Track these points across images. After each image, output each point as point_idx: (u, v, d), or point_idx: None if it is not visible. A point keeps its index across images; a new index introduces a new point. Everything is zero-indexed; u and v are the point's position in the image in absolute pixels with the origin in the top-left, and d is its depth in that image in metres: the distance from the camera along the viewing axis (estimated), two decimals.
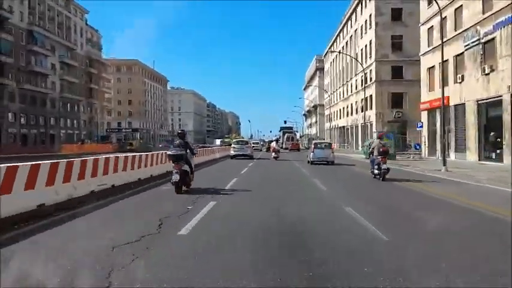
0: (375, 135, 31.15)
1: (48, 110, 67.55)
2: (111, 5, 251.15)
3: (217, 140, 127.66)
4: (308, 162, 26.96)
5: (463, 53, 27.64)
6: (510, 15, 22.00)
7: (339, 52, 70.46)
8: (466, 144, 27.64)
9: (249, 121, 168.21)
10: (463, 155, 28.05)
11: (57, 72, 71.17)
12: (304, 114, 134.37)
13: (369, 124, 52.47)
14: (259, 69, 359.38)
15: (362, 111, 55.36)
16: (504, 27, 22.62)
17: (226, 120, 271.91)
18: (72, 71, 76.26)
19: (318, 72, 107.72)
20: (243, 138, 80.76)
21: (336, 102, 78.75)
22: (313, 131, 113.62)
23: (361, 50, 56.11)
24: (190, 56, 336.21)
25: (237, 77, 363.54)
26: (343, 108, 70.01)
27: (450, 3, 29.25)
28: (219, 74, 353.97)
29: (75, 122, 77.80)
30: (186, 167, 11.88)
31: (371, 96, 50.93)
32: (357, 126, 59.52)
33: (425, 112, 35.09)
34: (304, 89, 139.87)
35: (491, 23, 23.84)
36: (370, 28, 51.07)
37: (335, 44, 78.82)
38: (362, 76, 55.14)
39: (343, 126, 69.64)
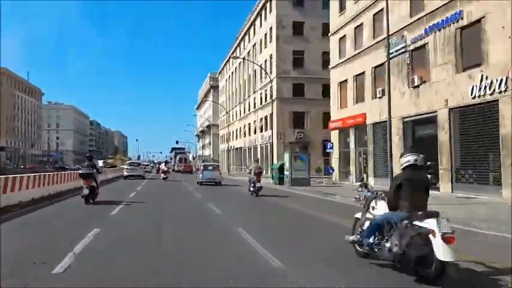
0: (286, 156, 26.33)
1: None
2: None
3: (99, 161, 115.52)
4: (197, 182, 28.71)
5: (383, 63, 24.15)
6: (448, 16, 18.63)
7: (236, 68, 66.31)
8: (389, 168, 23.93)
9: (137, 140, 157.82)
10: (384, 181, 24.30)
11: None
12: (197, 135, 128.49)
13: (268, 145, 48.23)
14: (149, 85, 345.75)
15: (261, 131, 51.20)
16: (439, 30, 19.25)
17: (112, 139, 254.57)
18: None
19: (212, 90, 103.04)
20: (131, 159, 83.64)
21: (232, 121, 74.21)
22: (207, 152, 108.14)
23: (261, 65, 52.18)
24: (73, 69, 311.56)
25: (125, 94, 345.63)
26: (240, 128, 65.52)
27: (368, 7, 25.89)
28: (105, 90, 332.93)
29: None
30: (94, 183, 14.62)
31: (271, 115, 46.75)
32: (255, 147, 55.14)
33: (336, 132, 31.35)
34: (197, 108, 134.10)
35: (423, 27, 20.45)
36: (270, 42, 47.35)
37: (231, 60, 74.65)
38: (262, 93, 51.10)
39: (240, 147, 65.02)
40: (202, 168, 29.38)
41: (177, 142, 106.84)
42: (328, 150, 31.46)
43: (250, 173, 20.09)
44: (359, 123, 27.06)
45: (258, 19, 53.70)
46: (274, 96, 45.22)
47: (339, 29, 30.65)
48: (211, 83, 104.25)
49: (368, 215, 6.26)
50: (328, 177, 31.48)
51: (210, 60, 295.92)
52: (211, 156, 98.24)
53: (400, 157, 5.96)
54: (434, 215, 5.19)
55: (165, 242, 8.05)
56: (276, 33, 45.26)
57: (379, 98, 24.59)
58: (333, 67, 32.14)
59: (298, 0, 45.44)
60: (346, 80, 29.49)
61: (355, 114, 27.55)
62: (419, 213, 5.27)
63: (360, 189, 6.84)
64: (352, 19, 28.34)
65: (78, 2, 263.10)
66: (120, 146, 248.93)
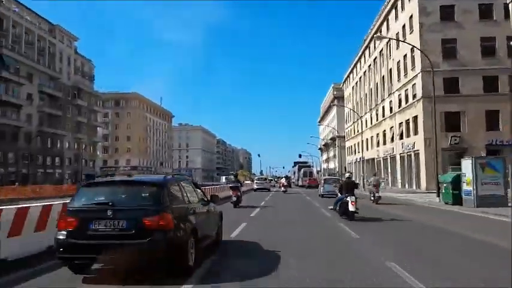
0: (466, 163, 18.99)
1: (21, 145, 57.06)
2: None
3: (223, 177, 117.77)
4: (319, 195, 30.77)
5: None
6: None
7: (365, 71, 59.59)
8: None
9: (259, 155, 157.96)
10: None
11: (35, 103, 61.18)
12: (320, 148, 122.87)
13: (412, 154, 40.62)
14: (270, 102, 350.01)
15: (401, 138, 43.75)
16: None
17: (238, 156, 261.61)
18: (55, 102, 66.32)
19: (336, 100, 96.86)
20: (255, 175, 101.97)
21: (360, 131, 67.24)
22: (332, 165, 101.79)
23: (397, 63, 44.99)
24: (201, 93, 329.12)
25: (247, 113, 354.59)
26: (372, 137, 58.37)
27: None
28: (229, 109, 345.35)
29: (57, 159, 67.10)
30: (239, 193, 20.83)
31: (415, 118, 39.36)
32: (393, 157, 47.67)
33: None
34: (320, 122, 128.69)
35: None
36: (411, 32, 40.08)
37: (358, 64, 68.11)
38: (401, 94, 43.78)
39: (373, 158, 57.75)
40: (323, 181, 32.75)
41: (300, 156, 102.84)
42: None
43: (369, 185, 24.76)
44: None
45: (393, 12, 46.67)
46: (420, 95, 37.78)
47: None
48: (334, 93, 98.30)
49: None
50: None
51: (332, 71, 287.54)
52: (337, 169, 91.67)
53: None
54: (351, 194, 14.16)
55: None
56: (419, 21, 37.91)
57: None
58: None
59: None
60: None
61: None
62: (347, 194, 14.28)
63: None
64: None
65: (206, 39, 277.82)
66: (244, 163, 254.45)
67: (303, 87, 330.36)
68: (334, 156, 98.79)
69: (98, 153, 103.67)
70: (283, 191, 40.54)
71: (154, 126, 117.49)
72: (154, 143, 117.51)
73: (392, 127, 47.65)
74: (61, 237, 6.01)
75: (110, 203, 5.99)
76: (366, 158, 62.56)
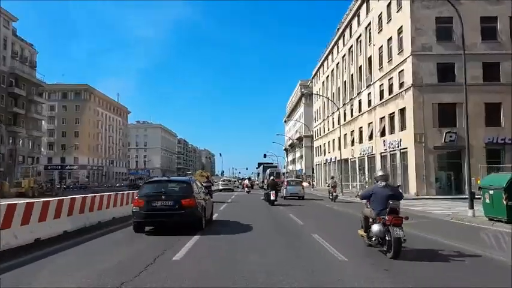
0: None
1: None
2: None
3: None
4: (281, 197, 29.98)
5: None
6: None
7: (338, 63, 53.83)
8: None
9: (220, 155, 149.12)
10: None
11: None
12: (285, 149, 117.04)
13: (398, 153, 34.87)
14: (234, 102, 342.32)
15: (383, 135, 38.00)
16: None
17: (200, 157, 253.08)
18: None
19: (303, 98, 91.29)
20: (218, 176, 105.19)
21: (331, 129, 61.56)
22: (298, 166, 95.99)
23: (379, 48, 39.24)
24: (162, 94, 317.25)
25: (212, 113, 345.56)
26: (345, 135, 52.58)
27: None
28: (192, 109, 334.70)
29: None
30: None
31: (402, 110, 33.62)
32: (371, 157, 41.94)
33: None
34: (285, 121, 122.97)
35: None
36: (399, 10, 34.33)
37: (330, 56, 62.38)
38: (383, 84, 38.03)
39: (346, 159, 51.98)
40: (286, 183, 32.38)
41: (264, 156, 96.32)
42: None
43: (328, 186, 29.75)
44: None
45: None
46: (409, 82, 31.99)
47: None
48: (302, 90, 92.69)
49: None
50: None
51: (300, 70, 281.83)
52: (304, 171, 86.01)
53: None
54: (272, 189, 23.99)
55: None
56: None
57: None
58: None
59: None
60: None
61: None
62: (271, 190, 24.30)
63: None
64: None
65: (174, 36, 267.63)
66: (207, 163, 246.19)
67: (268, 86, 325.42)
68: (301, 157, 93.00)
69: (43, 149, 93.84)
70: (246, 191, 43.00)
71: (107, 122, 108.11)
72: (107, 140, 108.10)
73: (371, 123, 41.91)
74: (135, 210, 11.29)
75: (163, 192, 11.50)
76: (338, 158, 56.94)
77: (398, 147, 34.14)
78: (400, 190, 9.76)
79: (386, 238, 7.65)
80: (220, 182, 53.36)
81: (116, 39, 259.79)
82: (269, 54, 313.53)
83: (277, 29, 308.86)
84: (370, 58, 42.28)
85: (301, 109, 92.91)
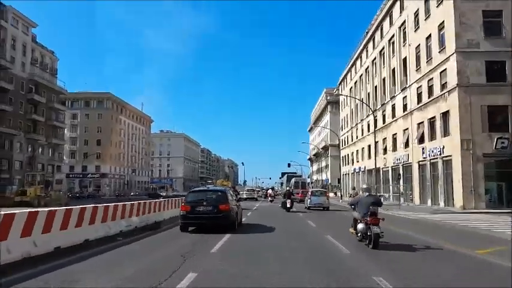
0: None
1: None
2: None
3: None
4: (305, 207, 30.03)
5: None
6: None
7: (367, 68, 50.75)
8: None
9: (243, 164, 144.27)
10: None
11: None
12: (309, 159, 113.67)
13: (440, 161, 31.43)
14: (258, 112, 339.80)
15: (421, 142, 34.66)
16: None
17: (223, 166, 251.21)
18: (3, 95, 56.03)
19: (329, 106, 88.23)
20: (240, 185, 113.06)
21: (359, 137, 58.27)
22: (323, 176, 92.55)
23: (416, 48, 36.04)
24: (186, 104, 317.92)
25: (235, 123, 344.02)
26: (377, 143, 49.18)
27: None
28: (215, 119, 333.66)
29: (3, 162, 56.54)
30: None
31: (444, 114, 30.27)
32: (407, 167, 38.55)
33: None
34: (310, 130, 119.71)
35: None
36: (439, 4, 31.14)
37: (358, 61, 59.27)
38: (421, 86, 34.75)
39: (378, 169, 48.56)
40: (310, 193, 31.07)
41: (289, 165, 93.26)
42: None
43: (350, 196, 26.17)
44: None
45: None
46: (454, 83, 28.65)
47: None
48: (328, 98, 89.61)
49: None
50: None
51: (324, 79, 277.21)
52: (330, 181, 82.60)
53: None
54: (288, 198, 27.59)
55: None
56: None
57: None
58: None
59: None
60: None
61: None
62: (287, 198, 27.93)
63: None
64: None
65: (193, 51, 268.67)
66: (230, 173, 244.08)
67: (293, 95, 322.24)
68: (327, 166, 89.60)
69: (65, 158, 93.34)
70: (270, 200, 42.98)
71: (130, 130, 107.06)
72: (130, 148, 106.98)
73: (406, 129, 38.56)
74: (182, 213, 13.68)
75: (204, 199, 13.89)
76: (367, 167, 53.58)
77: (440, 154, 30.70)
78: (382, 199, 14.64)
79: (368, 233, 10.28)
80: (245, 192, 56.58)
81: (138, 52, 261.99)
82: (293, 63, 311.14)
83: (300, 40, 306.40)
84: (404, 59, 39.06)
85: (326, 117, 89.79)
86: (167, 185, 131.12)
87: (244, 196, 49.95)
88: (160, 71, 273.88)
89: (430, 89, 32.78)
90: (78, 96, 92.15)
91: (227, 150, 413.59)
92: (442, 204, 30.55)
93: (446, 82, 29.79)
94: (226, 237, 11.84)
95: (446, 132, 30.17)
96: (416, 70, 35.73)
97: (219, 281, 6.60)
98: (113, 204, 12.68)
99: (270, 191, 49.51)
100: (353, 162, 62.73)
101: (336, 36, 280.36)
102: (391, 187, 43.00)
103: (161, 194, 72.55)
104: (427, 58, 33.51)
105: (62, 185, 76.81)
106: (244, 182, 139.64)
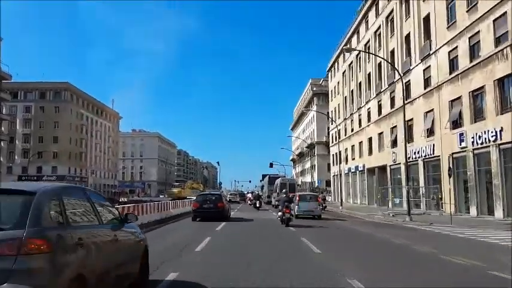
0: None
1: None
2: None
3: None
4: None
5: None
6: None
7: (367, 43, 41.43)
8: None
9: (218, 163, 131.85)
10: None
11: None
12: (292, 160, 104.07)
13: (494, 149, 21.83)
14: (235, 109, 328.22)
15: (456, 126, 25.11)
16: None
17: (202, 169, 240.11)
18: None
19: (315, 99, 78.86)
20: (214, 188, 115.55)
21: (356, 129, 48.87)
22: (308, 178, 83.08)
23: (429, 14, 26.64)
24: (166, 104, 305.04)
25: (215, 125, 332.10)
26: (381, 134, 39.79)
27: None
28: (194, 121, 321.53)
29: None
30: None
31: (502, 80, 20.83)
32: (431, 162, 29.11)
33: None
34: (293, 128, 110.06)
35: None
36: None
37: (354, 37, 49.80)
38: (454, 51, 25.22)
39: (383, 167, 39.13)
40: (298, 198, 25.25)
41: (271, 165, 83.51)
42: None
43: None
44: None
45: None
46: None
47: None
48: (314, 89, 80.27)
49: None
50: None
51: (306, 72, 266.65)
52: (317, 184, 72.79)
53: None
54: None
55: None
56: None
57: None
58: None
59: None
60: None
61: None
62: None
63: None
64: None
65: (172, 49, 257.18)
66: (209, 176, 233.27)
67: (274, 92, 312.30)
68: (313, 167, 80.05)
69: (16, 157, 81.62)
70: (257, 207, 37.62)
71: (93, 127, 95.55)
72: (93, 147, 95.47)
73: (430, 111, 29.03)
74: (194, 209, 22.86)
75: (208, 199, 22.88)
76: (367, 166, 44.15)
77: (495, 141, 21.16)
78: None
79: (283, 217, 19.14)
80: (229, 195, 60.19)
81: (118, 49, 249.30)
82: (271, 59, 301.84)
83: (280, 32, 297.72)
84: (409, 33, 29.66)
85: (312, 112, 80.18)
86: (139, 189, 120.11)
87: (229, 198, 51.56)
88: (139, 72, 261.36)
89: (472, 48, 23.27)
90: (31, 86, 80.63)
91: (206, 153, 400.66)
92: (474, 212, 21.02)
93: (507, 31, 20.29)
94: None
95: (504, 108, 20.67)
96: (448, 28, 26.17)
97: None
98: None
99: (249, 195, 52.52)
100: (347, 161, 53.25)
101: (320, 26, 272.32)
102: (404, 190, 32.76)
103: (120, 199, 63.16)
104: (450, 20, 24.05)
105: None
106: (220, 184, 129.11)
